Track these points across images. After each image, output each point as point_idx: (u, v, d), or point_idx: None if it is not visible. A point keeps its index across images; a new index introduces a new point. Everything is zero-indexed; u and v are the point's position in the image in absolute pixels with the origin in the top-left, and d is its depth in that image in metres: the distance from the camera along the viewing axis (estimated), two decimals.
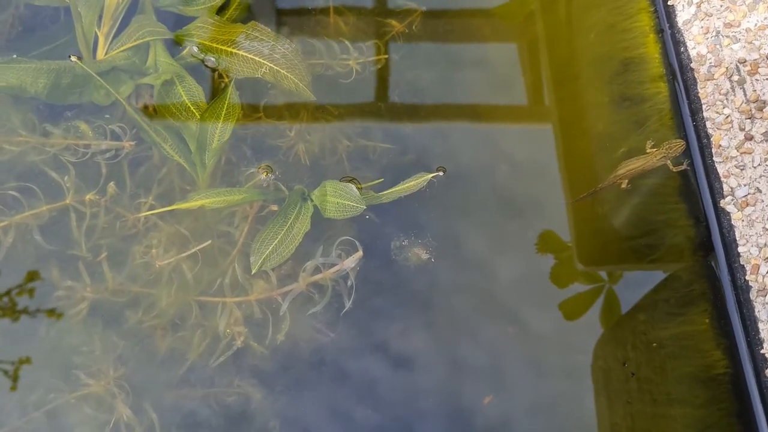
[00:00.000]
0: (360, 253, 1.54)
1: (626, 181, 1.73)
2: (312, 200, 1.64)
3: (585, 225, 1.82)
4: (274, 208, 1.72)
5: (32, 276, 1.67)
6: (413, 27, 2.05)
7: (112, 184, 1.73)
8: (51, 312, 1.64)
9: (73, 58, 1.72)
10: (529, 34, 2.06)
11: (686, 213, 1.76)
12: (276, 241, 1.55)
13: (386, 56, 1.96)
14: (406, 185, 1.64)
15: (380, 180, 1.67)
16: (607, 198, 1.83)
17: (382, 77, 1.95)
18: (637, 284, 1.77)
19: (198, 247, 1.62)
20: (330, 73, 1.95)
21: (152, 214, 1.64)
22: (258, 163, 1.82)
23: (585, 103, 1.97)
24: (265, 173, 1.67)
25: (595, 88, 1.97)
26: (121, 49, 1.82)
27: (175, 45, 1.88)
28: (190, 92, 1.79)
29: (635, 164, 1.72)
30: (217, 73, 1.86)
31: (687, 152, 1.75)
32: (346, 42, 1.97)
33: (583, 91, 1.99)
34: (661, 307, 1.72)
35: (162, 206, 1.74)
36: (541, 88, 2.01)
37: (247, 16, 1.95)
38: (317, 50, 1.96)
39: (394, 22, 2.04)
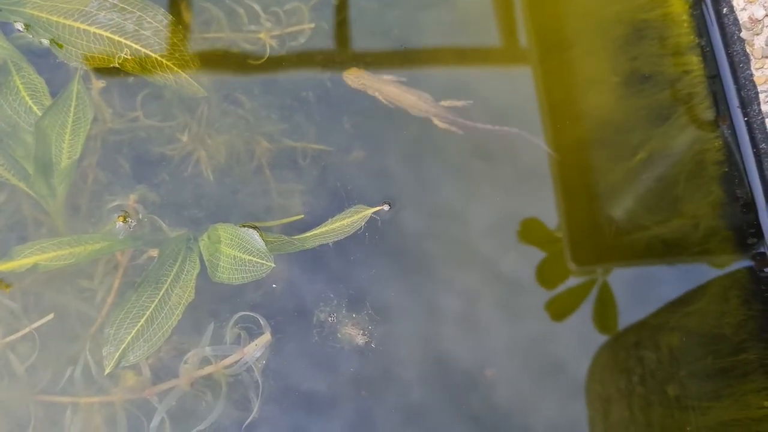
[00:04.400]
0: (267, 336, 1.03)
1: None
2: (199, 251, 1.11)
3: (579, 213, 1.37)
4: (154, 253, 1.20)
5: None
6: None
7: None
8: None
9: None
10: None
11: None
12: (142, 321, 1.04)
13: (312, 25, 1.41)
14: (336, 225, 1.12)
15: (299, 217, 1.14)
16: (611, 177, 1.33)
17: (306, 58, 1.41)
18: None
19: (35, 325, 1.10)
20: (236, 51, 1.40)
21: None
22: (138, 183, 1.29)
23: (581, 81, 1.46)
24: (122, 219, 1.14)
25: (597, 61, 1.45)
26: None
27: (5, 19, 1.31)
28: (31, 86, 1.24)
29: None
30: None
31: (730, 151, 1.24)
32: (255, 5, 1.42)
33: (580, 65, 1.47)
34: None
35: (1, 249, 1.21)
36: (519, 56, 1.49)
37: None
38: (215, 19, 1.40)
39: None
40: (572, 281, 1.37)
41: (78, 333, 1.17)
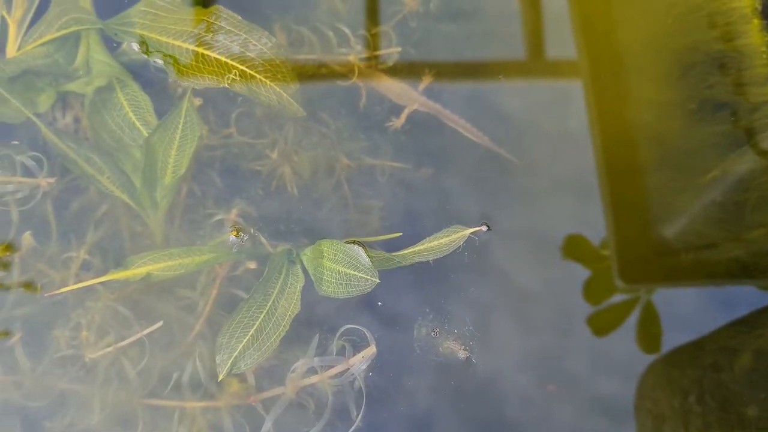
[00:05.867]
0: (373, 348, 1.08)
1: None
2: (302, 264, 1.16)
3: (631, 229, 1.40)
4: (252, 265, 1.25)
5: None
6: (430, 4, 1.55)
7: (28, 234, 1.25)
8: None
9: None
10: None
11: None
12: (252, 331, 1.09)
13: (398, 49, 1.46)
14: (434, 243, 1.17)
15: (397, 234, 1.19)
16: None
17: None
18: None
19: (145, 332, 1.15)
20: (324, 72, 1.45)
21: (81, 287, 1.17)
22: (231, 196, 1.34)
23: (647, 105, 1.50)
24: (235, 233, 1.19)
25: (667, 87, 1.49)
26: (39, 42, 1.32)
27: (112, 36, 1.37)
28: (135, 103, 1.30)
29: None
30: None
31: None
32: (344, 28, 1.48)
33: (648, 89, 1.51)
34: None
35: (101, 260, 1.27)
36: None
37: None
38: (305, 40, 1.46)
39: None
40: (617, 298, 1.40)
41: (179, 339, 1.23)
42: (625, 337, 1.34)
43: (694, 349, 1.38)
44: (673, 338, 1.35)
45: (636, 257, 1.44)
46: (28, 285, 1.25)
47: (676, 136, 1.50)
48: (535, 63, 1.57)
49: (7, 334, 1.22)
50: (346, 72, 1.45)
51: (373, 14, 1.55)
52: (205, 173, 1.37)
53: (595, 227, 1.40)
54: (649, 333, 1.37)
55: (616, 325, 1.38)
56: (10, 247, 1.26)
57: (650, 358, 1.32)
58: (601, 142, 1.48)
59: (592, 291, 1.40)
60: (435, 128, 1.45)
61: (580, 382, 1.24)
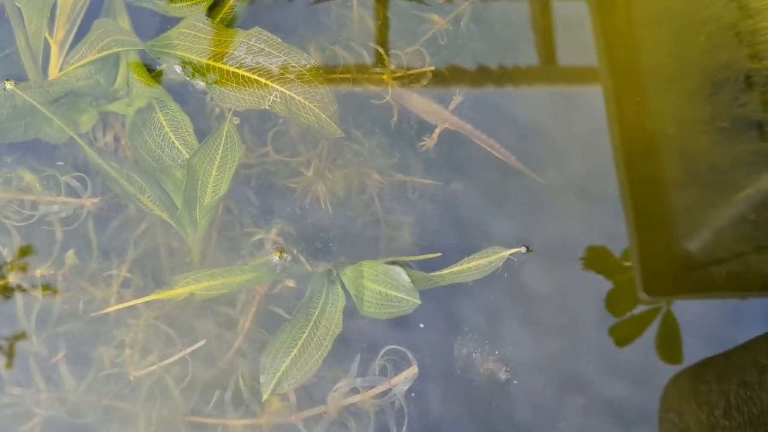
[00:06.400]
0: (414, 368, 1.09)
1: None
2: (342, 284, 1.18)
3: (655, 242, 1.41)
4: (290, 284, 1.27)
5: None
6: (461, 23, 1.56)
7: (71, 252, 1.27)
8: None
9: (8, 84, 1.24)
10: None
11: None
12: (295, 351, 1.10)
13: (431, 68, 1.48)
14: (472, 264, 1.18)
15: (437, 254, 1.20)
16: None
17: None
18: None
19: (188, 350, 1.17)
20: (358, 91, 1.47)
21: (123, 307, 1.19)
22: (267, 214, 1.36)
23: (676, 120, 1.50)
24: (278, 254, 1.21)
25: (697, 104, 1.50)
26: (80, 63, 1.34)
27: (153, 57, 1.40)
28: (175, 123, 1.32)
29: None
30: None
31: None
32: (378, 47, 1.49)
33: (679, 107, 1.52)
34: None
35: (141, 277, 1.29)
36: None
37: (247, 17, 1.46)
38: (341, 60, 1.48)
39: (435, 17, 1.56)
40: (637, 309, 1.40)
41: (219, 356, 1.25)
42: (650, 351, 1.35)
43: (722, 363, 1.38)
44: (698, 351, 1.36)
45: (661, 270, 1.45)
46: (71, 303, 1.28)
47: (706, 153, 1.51)
48: (560, 79, 1.58)
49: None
50: (379, 90, 1.46)
51: (402, 33, 1.57)
52: (241, 191, 1.39)
53: (621, 241, 1.41)
54: (670, 343, 1.37)
55: (637, 336, 1.39)
56: (54, 265, 1.28)
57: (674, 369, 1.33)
58: (624, 157, 1.50)
59: (614, 303, 1.41)
60: (464, 145, 1.47)
61: (628, 406, 1.25)
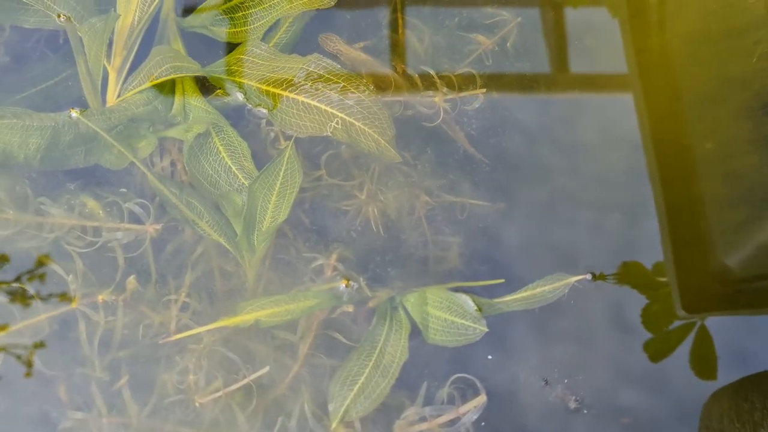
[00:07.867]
0: (483, 397, 1.09)
1: None
2: (405, 310, 1.18)
3: (693, 258, 1.41)
4: (349, 308, 1.27)
5: (29, 410, 1.24)
6: (507, 44, 1.57)
7: (132, 278, 1.28)
8: None
9: (74, 113, 1.25)
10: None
11: None
12: (363, 378, 1.10)
13: (483, 90, 1.48)
14: (537, 291, 1.18)
15: (500, 281, 1.20)
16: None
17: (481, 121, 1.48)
18: None
19: (252, 376, 1.18)
20: (410, 113, 1.48)
21: (186, 336, 1.19)
22: (319, 237, 1.37)
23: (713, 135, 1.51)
24: (345, 282, 1.21)
25: (740, 122, 1.50)
26: (138, 89, 1.35)
27: (212, 83, 1.41)
28: (232, 148, 1.33)
29: None
30: (266, 119, 1.39)
31: None
32: (429, 70, 1.50)
33: (721, 125, 1.52)
34: None
35: (197, 300, 1.30)
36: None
37: (300, 41, 1.47)
38: (393, 83, 1.49)
39: (480, 38, 1.57)
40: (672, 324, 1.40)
41: (278, 382, 1.25)
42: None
43: (764, 380, 1.37)
44: (737, 369, 1.35)
45: (699, 287, 1.44)
46: (131, 328, 1.29)
47: (754, 171, 1.51)
48: (597, 97, 1.59)
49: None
50: (431, 114, 1.47)
51: (448, 53, 1.58)
52: (295, 214, 1.40)
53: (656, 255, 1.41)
54: (704, 359, 1.37)
55: (669, 352, 1.38)
56: (115, 291, 1.29)
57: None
58: (664, 175, 1.50)
59: (650, 319, 1.40)
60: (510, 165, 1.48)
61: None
